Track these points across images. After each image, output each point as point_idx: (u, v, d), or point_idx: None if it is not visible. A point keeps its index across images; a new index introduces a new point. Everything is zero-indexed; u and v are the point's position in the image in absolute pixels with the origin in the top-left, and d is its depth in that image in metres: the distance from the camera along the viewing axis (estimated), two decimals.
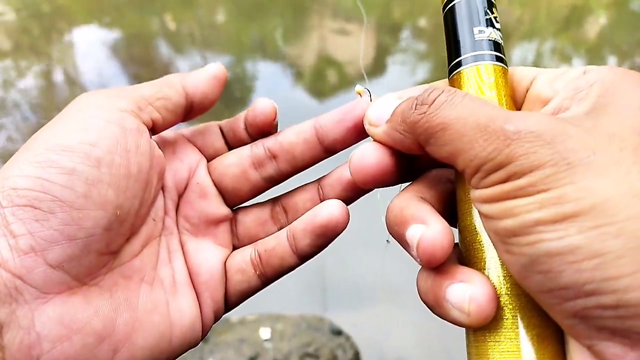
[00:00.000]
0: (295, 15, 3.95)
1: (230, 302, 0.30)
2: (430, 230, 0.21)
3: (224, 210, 0.30)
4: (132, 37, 3.53)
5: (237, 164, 0.30)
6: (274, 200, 0.32)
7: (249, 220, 0.31)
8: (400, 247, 0.26)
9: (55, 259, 0.20)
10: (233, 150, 0.31)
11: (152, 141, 0.26)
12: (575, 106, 0.22)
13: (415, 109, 0.22)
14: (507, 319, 0.21)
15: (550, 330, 0.21)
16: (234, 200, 0.31)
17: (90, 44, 3.34)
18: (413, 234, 0.22)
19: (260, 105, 0.30)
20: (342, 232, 0.29)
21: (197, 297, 0.28)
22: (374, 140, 0.26)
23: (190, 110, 0.29)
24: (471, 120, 0.20)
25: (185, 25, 3.89)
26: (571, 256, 0.17)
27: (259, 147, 0.30)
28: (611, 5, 4.20)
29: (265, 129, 0.31)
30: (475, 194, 0.21)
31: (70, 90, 2.90)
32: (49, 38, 3.56)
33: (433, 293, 0.22)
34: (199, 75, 0.29)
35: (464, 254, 0.24)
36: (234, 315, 1.25)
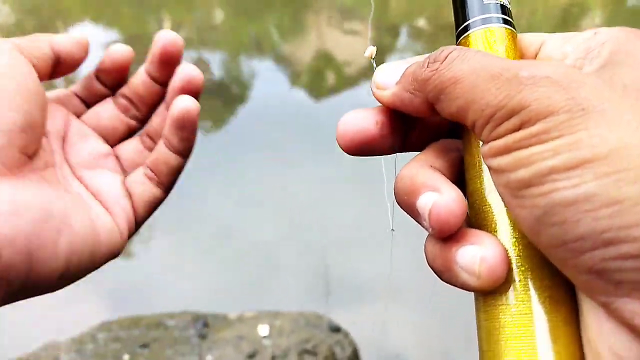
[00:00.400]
0: (293, 14, 3.95)
1: (139, 215, 0.33)
2: (443, 197, 0.21)
3: (106, 147, 0.34)
4: (129, 36, 3.52)
5: (107, 110, 0.35)
6: (140, 135, 0.36)
7: (127, 152, 0.35)
8: (403, 235, 0.26)
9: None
10: (98, 104, 0.35)
11: (37, 79, 0.30)
12: (588, 65, 0.22)
13: (427, 67, 0.22)
14: (518, 281, 0.21)
15: (562, 292, 0.20)
16: (114, 140, 0.35)
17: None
18: (425, 202, 0.22)
19: (119, 50, 0.34)
20: (196, 119, 0.33)
21: (107, 211, 0.31)
22: (382, 102, 0.26)
23: (57, 64, 0.32)
24: (484, 72, 0.20)
25: (182, 24, 3.88)
26: (587, 204, 0.17)
27: (119, 98, 0.35)
28: (608, 3, 4.20)
29: (124, 73, 0.35)
30: (486, 148, 0.20)
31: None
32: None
33: (442, 257, 0.22)
34: (64, 36, 0.32)
35: (472, 219, 0.23)
36: (232, 312, 1.25)
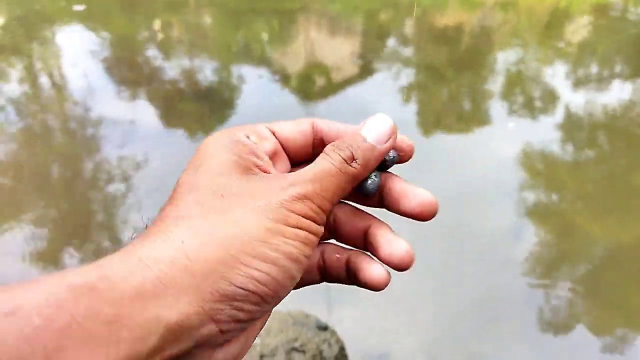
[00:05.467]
0: (282, 19, 3.98)
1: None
2: None
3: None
4: (119, 41, 3.53)
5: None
6: None
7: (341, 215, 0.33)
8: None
9: (226, 328, 0.24)
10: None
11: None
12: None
13: None
14: None
15: None
16: None
17: (77, 48, 3.34)
18: None
19: (407, 142, 0.31)
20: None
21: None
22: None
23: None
24: None
25: (172, 29, 3.90)
26: None
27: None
28: (591, 11, 4.30)
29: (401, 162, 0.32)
30: None
31: (57, 93, 2.90)
32: (33, 40, 3.55)
33: None
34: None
35: None
36: None
